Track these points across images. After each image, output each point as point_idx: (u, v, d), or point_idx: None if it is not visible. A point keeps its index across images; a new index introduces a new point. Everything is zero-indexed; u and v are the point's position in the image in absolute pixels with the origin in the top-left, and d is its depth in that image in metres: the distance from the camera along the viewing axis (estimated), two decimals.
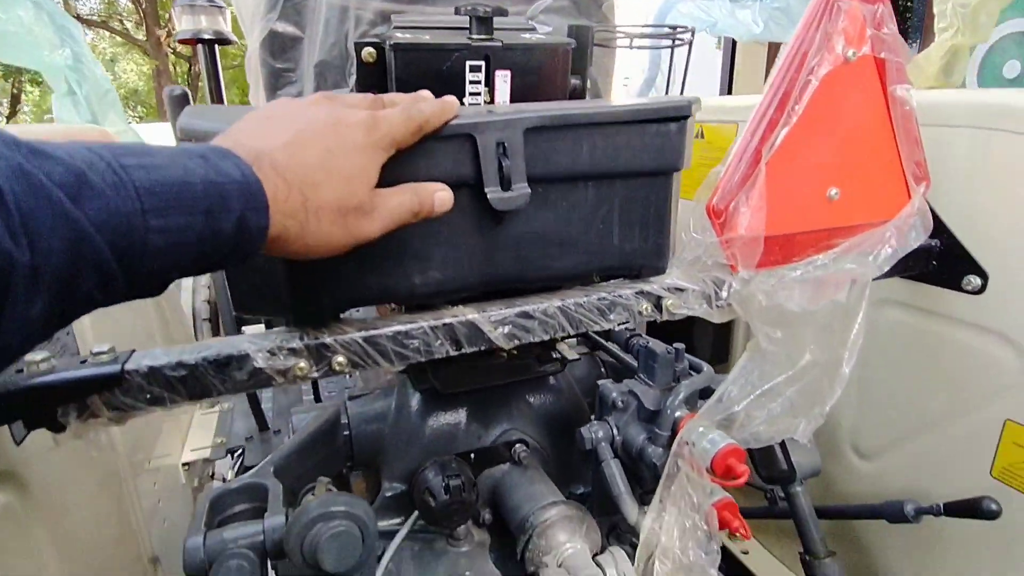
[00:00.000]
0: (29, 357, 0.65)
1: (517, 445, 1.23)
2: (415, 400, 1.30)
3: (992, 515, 0.95)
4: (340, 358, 0.72)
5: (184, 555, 0.85)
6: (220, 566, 0.83)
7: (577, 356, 1.35)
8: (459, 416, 1.28)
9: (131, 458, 1.26)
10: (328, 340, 0.71)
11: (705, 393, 1.08)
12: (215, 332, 3.04)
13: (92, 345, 0.66)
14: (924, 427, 1.14)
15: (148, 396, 0.66)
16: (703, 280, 0.90)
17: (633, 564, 0.98)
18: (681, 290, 0.89)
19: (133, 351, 0.68)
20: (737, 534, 0.95)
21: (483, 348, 0.79)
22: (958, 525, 1.09)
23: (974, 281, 1.01)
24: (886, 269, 0.92)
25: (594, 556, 1.03)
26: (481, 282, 0.78)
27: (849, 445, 1.31)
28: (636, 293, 0.86)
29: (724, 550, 1.63)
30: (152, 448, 1.44)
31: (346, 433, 1.27)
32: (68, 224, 0.40)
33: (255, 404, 1.55)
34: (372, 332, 0.73)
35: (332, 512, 0.73)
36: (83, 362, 0.65)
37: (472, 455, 1.20)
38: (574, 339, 1.54)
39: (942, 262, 1.06)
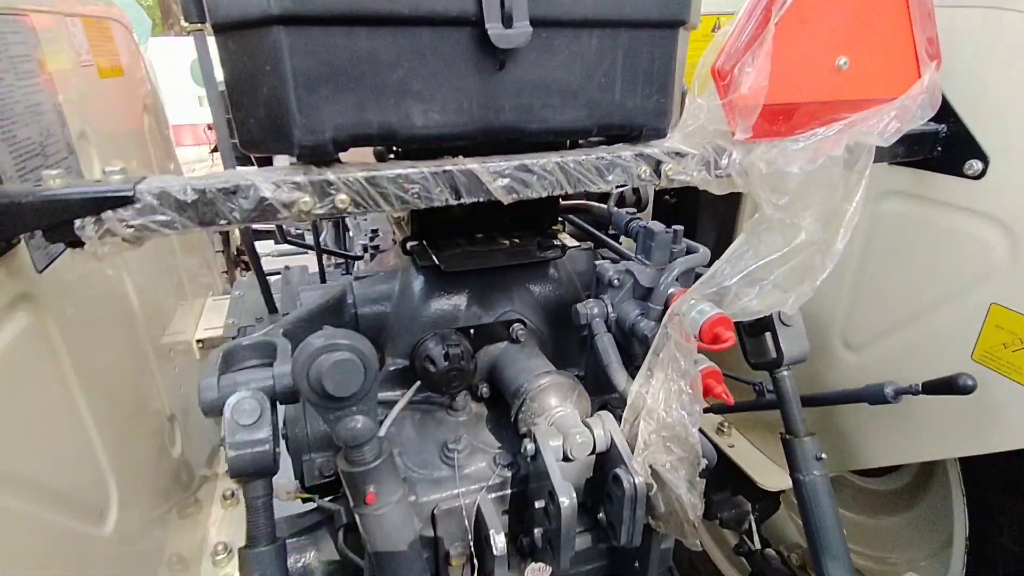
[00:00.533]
0: (46, 173, 0.68)
1: (515, 324, 1.27)
2: (418, 282, 1.34)
3: (968, 390, 0.99)
4: (342, 196, 0.74)
5: (199, 394, 0.91)
6: (232, 403, 0.89)
7: (576, 244, 1.38)
8: (461, 297, 1.32)
9: (149, 330, 1.32)
10: (331, 177, 0.74)
11: (701, 274, 1.11)
12: (224, 244, 3.09)
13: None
14: (913, 316, 1.16)
15: (160, 219, 0.69)
16: (704, 146, 0.90)
17: (620, 426, 1.03)
18: (681, 155, 0.90)
19: (145, 176, 0.70)
20: (720, 398, 1.00)
21: (482, 199, 0.81)
22: (934, 405, 1.14)
23: (975, 166, 1.01)
24: (891, 143, 0.92)
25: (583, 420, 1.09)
26: (481, 129, 0.79)
27: (839, 339, 1.34)
28: (636, 155, 0.87)
29: (713, 445, 1.71)
30: (168, 324, 1.50)
31: (352, 312, 1.32)
32: None
33: (265, 288, 1.60)
34: (374, 173, 0.75)
35: (336, 344, 0.78)
36: (97, 181, 0.68)
37: (471, 331, 1.24)
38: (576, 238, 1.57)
39: (946, 147, 1.05)
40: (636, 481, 0.95)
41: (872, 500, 1.93)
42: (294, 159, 0.76)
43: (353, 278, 1.38)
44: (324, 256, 1.77)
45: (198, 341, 1.54)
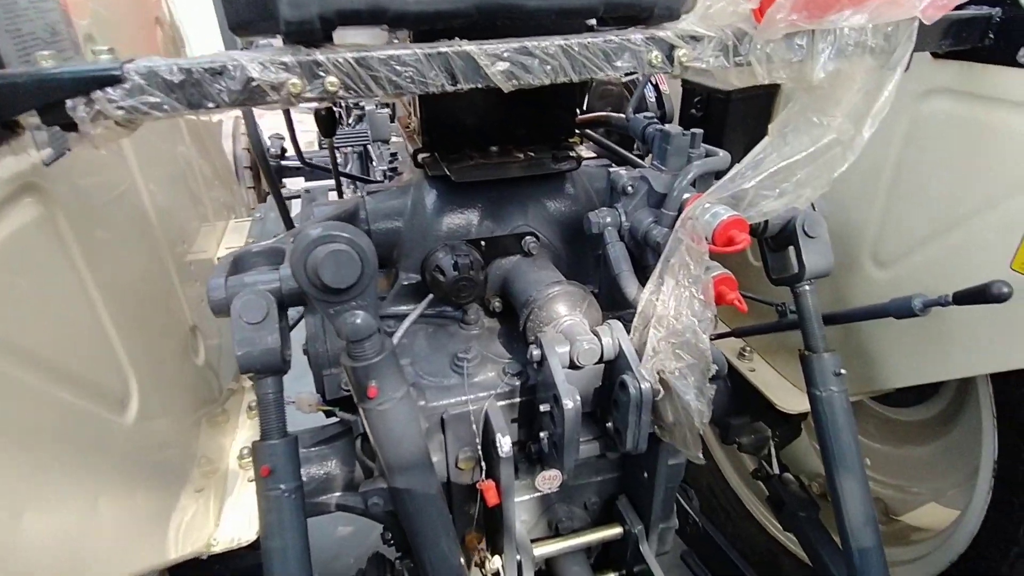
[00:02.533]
0: (38, 54, 0.68)
1: (528, 237, 1.25)
2: (431, 196, 1.32)
3: (1002, 297, 0.92)
4: (332, 79, 0.72)
5: (208, 294, 0.93)
6: (240, 301, 0.90)
7: (593, 155, 1.32)
8: (473, 210, 1.30)
9: (171, 246, 1.35)
10: (320, 58, 0.71)
11: (719, 178, 1.05)
12: (256, 180, 3.13)
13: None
14: (950, 225, 1.09)
15: (149, 100, 0.68)
16: (722, 30, 0.84)
17: (629, 334, 1.01)
18: (696, 39, 0.83)
19: (134, 57, 0.69)
20: (733, 304, 0.96)
21: (480, 85, 0.77)
22: (965, 319, 1.08)
23: None
24: (933, 20, 0.83)
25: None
26: (476, 6, 0.75)
27: (868, 254, 1.27)
28: (646, 39, 0.82)
29: (731, 369, 1.68)
30: (191, 244, 1.53)
31: (365, 226, 1.32)
32: None
33: (283, 209, 1.61)
34: (364, 54, 0.72)
35: (332, 235, 0.77)
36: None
37: (483, 243, 1.22)
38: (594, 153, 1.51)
39: (1000, 33, 0.95)
40: (643, 386, 0.94)
41: (899, 430, 1.89)
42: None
43: (366, 192, 1.37)
44: (346, 183, 1.77)
45: (219, 259, 1.57)
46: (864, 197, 1.25)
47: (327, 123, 1.60)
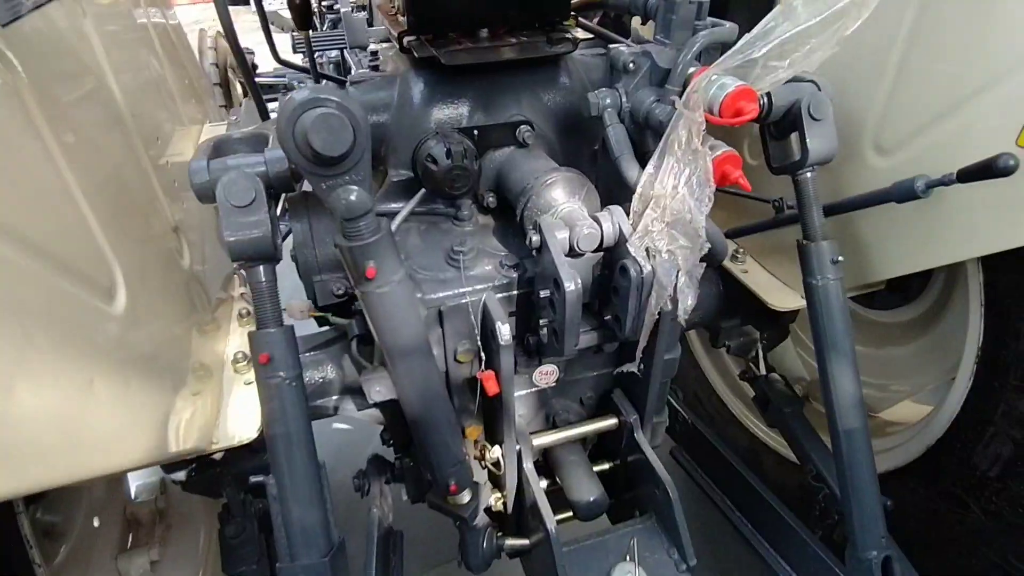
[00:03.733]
0: None
1: (523, 126, 1.20)
2: (419, 85, 1.25)
3: (1008, 170, 0.91)
4: None
5: (189, 177, 0.88)
6: (225, 183, 0.86)
7: (590, 36, 1.25)
8: (464, 99, 1.24)
9: (144, 142, 1.27)
10: None
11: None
12: (227, 98, 2.96)
13: None
14: (955, 105, 1.06)
15: None
16: None
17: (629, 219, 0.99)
18: None
19: None
20: (737, 183, 0.94)
21: None
22: (963, 200, 1.08)
23: None
24: None
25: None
26: None
27: (870, 142, 1.25)
28: None
29: (724, 272, 1.69)
30: (167, 145, 1.45)
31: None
32: None
33: (258, 98, 1.52)
34: None
35: (320, 99, 0.72)
36: None
37: (475, 132, 1.17)
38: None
39: None
40: (644, 270, 0.92)
41: (882, 332, 1.93)
42: None
43: (348, 82, 1.29)
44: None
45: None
46: (870, 81, 1.21)
47: (302, 12, 1.49)
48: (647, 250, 0.93)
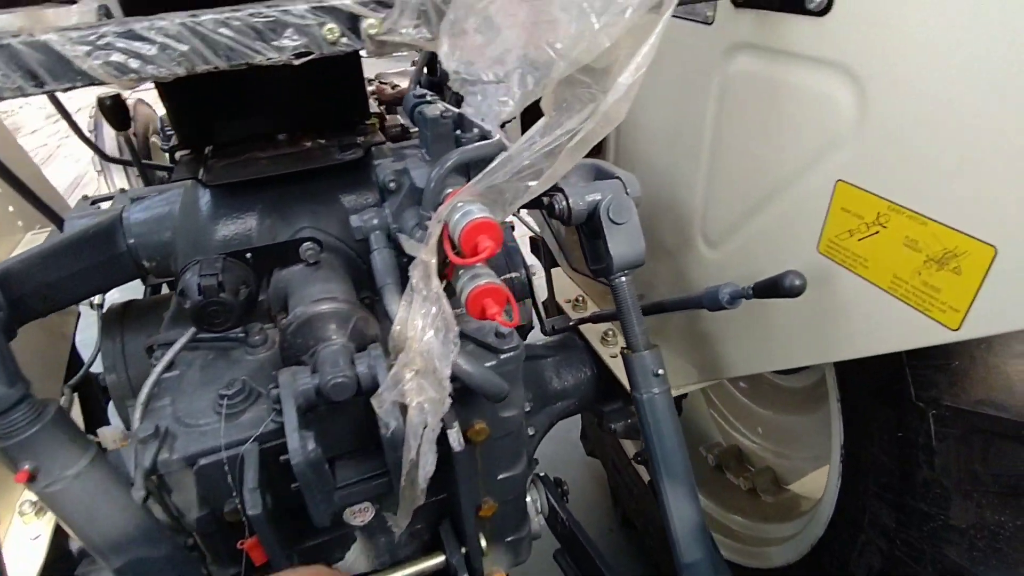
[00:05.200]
0: None
1: (305, 244, 1.07)
2: (204, 199, 1.13)
3: (795, 291, 0.80)
4: None
5: None
6: None
7: (382, 140, 1.14)
8: (252, 214, 1.12)
9: None
10: None
11: None
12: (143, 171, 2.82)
13: None
14: (764, 200, 0.96)
15: None
16: None
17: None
18: (386, 5, 0.66)
19: None
20: (495, 320, 0.82)
21: (76, 85, 0.59)
22: (784, 308, 0.97)
23: None
24: None
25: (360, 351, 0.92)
26: None
27: (699, 232, 1.15)
28: (316, 8, 0.64)
29: (592, 352, 1.57)
30: None
31: (125, 243, 1.12)
32: None
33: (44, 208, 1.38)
34: None
35: None
36: None
37: (249, 255, 1.04)
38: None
39: None
40: (390, 427, 0.80)
41: (786, 397, 1.83)
42: None
43: (129, 199, 1.17)
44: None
45: None
46: (688, 172, 1.11)
47: (115, 112, 1.38)
48: (400, 405, 0.81)
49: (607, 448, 2.28)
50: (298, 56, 0.65)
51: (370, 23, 0.65)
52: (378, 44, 0.67)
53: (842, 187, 0.81)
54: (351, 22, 0.65)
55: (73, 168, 5.91)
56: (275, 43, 0.63)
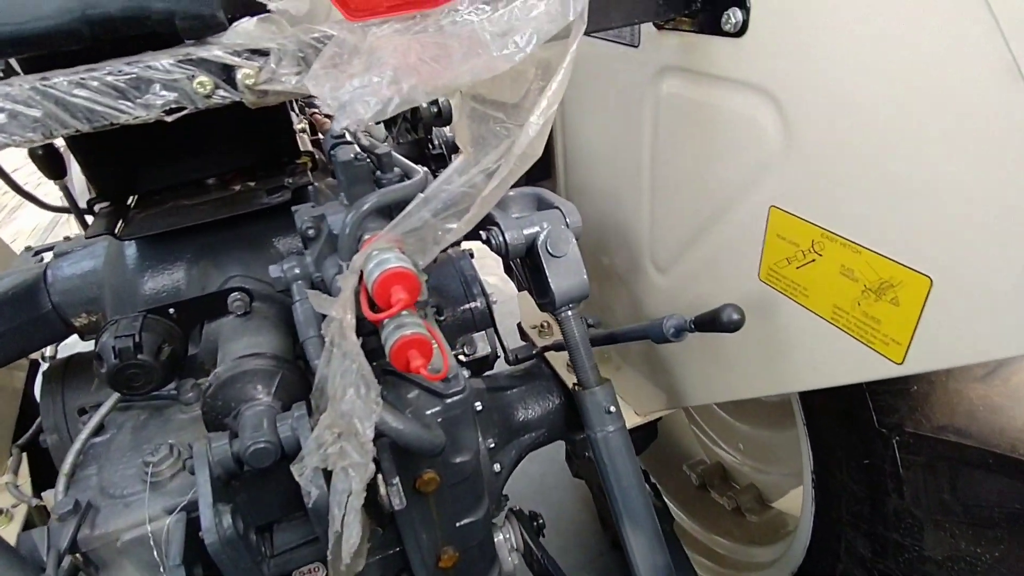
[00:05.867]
0: None
1: (233, 294, 1.02)
2: (130, 251, 1.08)
3: (733, 325, 0.76)
4: None
5: None
6: None
7: (309, 181, 1.10)
8: (180, 265, 1.07)
9: None
10: None
11: None
12: None
13: None
14: (704, 225, 0.91)
15: None
16: (296, 37, 0.62)
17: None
18: (262, 53, 0.61)
19: None
20: (419, 373, 0.77)
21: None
22: (731, 339, 0.92)
23: (734, 16, 0.71)
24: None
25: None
26: None
27: (648, 259, 1.10)
28: (183, 61, 0.59)
29: (559, 380, 1.52)
30: None
31: (49, 301, 1.07)
32: None
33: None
34: None
35: None
36: None
37: (172, 309, 0.99)
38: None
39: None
40: (312, 495, 0.74)
41: (766, 412, 1.78)
42: None
43: (53, 255, 1.12)
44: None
45: None
46: (633, 195, 1.07)
47: (48, 161, 1.33)
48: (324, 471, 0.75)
49: (593, 470, 2.22)
50: (170, 112, 0.60)
51: (245, 73, 0.61)
52: (259, 94, 0.62)
53: (775, 213, 0.76)
54: (225, 73, 0.61)
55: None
56: (140, 101, 0.59)
